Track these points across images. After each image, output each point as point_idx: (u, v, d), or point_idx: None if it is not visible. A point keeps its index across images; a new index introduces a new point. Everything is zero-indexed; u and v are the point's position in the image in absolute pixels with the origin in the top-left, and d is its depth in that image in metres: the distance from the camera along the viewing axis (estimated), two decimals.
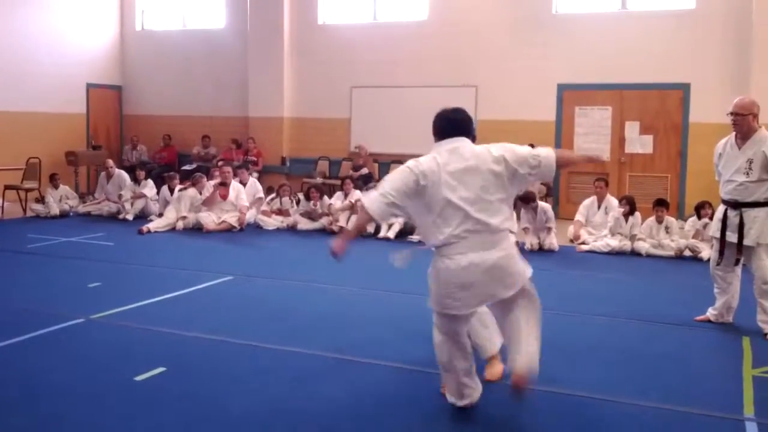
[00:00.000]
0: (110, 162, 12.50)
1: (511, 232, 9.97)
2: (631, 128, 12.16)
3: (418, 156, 3.74)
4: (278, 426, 3.75)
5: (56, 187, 12.00)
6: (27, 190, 12.35)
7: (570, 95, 12.44)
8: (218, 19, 15.18)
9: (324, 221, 10.75)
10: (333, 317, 5.95)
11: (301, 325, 5.67)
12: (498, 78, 12.69)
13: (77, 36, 14.93)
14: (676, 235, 9.16)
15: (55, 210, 11.61)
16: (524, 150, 3.80)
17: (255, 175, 12.71)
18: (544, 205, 9.69)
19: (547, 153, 3.80)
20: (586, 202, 9.97)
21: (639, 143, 12.13)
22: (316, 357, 4.86)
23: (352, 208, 10.67)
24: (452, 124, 3.81)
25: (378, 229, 10.29)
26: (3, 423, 3.73)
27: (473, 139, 3.80)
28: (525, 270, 3.81)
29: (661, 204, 9.36)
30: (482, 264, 3.58)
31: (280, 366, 4.67)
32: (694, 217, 9.19)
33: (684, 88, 11.75)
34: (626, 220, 9.31)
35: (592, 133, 12.36)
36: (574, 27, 12.30)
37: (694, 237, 9.00)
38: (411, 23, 13.40)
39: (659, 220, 9.26)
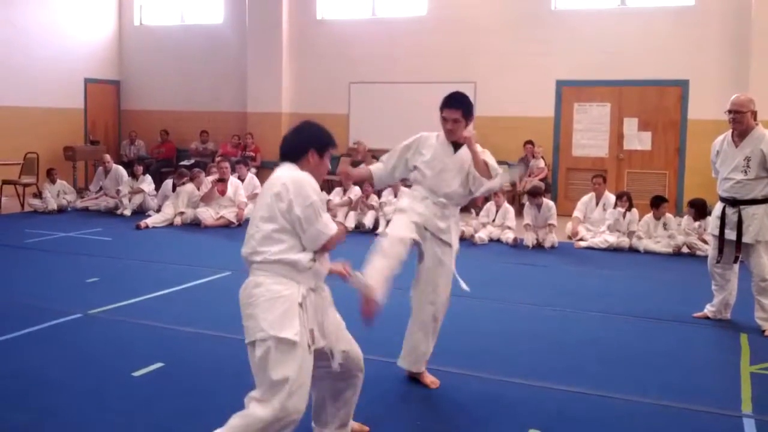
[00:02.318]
0: (108, 157, 12.48)
1: (509, 228, 10.00)
2: (630, 125, 12.16)
3: None
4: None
5: (54, 182, 11.98)
6: (24, 185, 12.33)
7: (569, 91, 12.43)
8: (217, 14, 15.14)
9: None
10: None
11: None
12: (497, 74, 12.67)
13: (75, 31, 14.89)
14: (673, 232, 9.17)
15: (52, 205, 11.60)
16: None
17: (253, 170, 12.69)
18: (549, 202, 9.71)
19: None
20: (585, 198, 9.97)
21: (637, 140, 12.13)
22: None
23: (351, 204, 10.68)
24: None
25: (377, 225, 10.29)
26: (2, 417, 3.73)
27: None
28: None
29: (661, 201, 9.36)
30: None
31: None
32: (688, 216, 9.19)
33: (683, 85, 11.75)
34: (624, 216, 9.31)
35: (591, 129, 12.35)
36: (573, 23, 12.28)
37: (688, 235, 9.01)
38: (410, 19, 13.37)
39: (657, 217, 9.27)
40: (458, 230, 4.42)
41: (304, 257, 3.01)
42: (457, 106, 4.18)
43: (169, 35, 15.49)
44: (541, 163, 11.82)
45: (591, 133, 12.35)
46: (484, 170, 4.12)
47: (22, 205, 12.01)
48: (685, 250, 8.92)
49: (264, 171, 13.69)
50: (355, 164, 12.94)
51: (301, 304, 2.95)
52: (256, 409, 2.87)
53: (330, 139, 3.28)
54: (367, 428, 3.62)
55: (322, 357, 3.12)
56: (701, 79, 11.54)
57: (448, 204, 4.24)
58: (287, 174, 3.06)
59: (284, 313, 2.92)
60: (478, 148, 4.17)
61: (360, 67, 13.65)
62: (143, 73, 15.86)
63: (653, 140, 12.03)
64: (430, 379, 4.27)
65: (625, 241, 9.17)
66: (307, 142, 3.18)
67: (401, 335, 4.37)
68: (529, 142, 12.11)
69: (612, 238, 9.20)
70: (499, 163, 12.99)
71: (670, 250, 8.94)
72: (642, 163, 12.12)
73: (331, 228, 3.02)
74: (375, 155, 13.23)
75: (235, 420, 2.89)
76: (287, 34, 14.22)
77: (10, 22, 13.49)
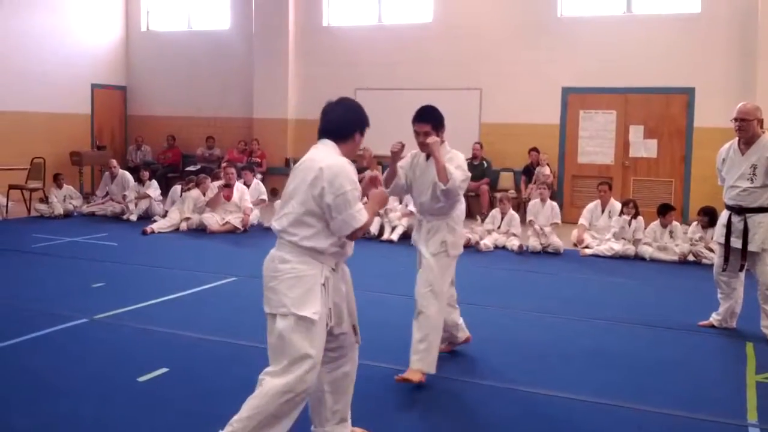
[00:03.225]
0: (114, 162, 12.52)
1: (515, 235, 10.00)
2: (636, 132, 12.14)
3: None
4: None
5: (60, 187, 12.02)
6: (31, 190, 12.37)
7: (575, 99, 12.43)
8: (223, 21, 15.20)
9: None
10: None
11: None
12: (502, 81, 12.68)
13: (82, 36, 14.96)
14: (680, 240, 9.15)
15: (59, 210, 11.64)
16: None
17: (259, 176, 12.71)
18: (553, 203, 9.78)
19: None
20: (590, 206, 9.95)
21: (643, 147, 12.11)
22: None
23: None
24: None
25: (382, 231, 10.29)
26: (7, 422, 3.74)
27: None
28: None
29: (668, 210, 9.34)
30: None
31: None
32: (696, 224, 9.17)
33: (689, 92, 11.73)
34: (629, 224, 9.30)
35: (597, 136, 12.35)
36: (579, 30, 12.29)
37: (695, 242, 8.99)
38: (415, 26, 13.40)
39: (664, 225, 9.25)
40: (441, 238, 4.39)
41: (331, 244, 3.11)
42: (426, 119, 4.35)
43: (175, 41, 15.56)
44: (547, 170, 11.81)
45: (597, 141, 12.34)
46: (442, 175, 4.22)
47: (29, 210, 12.05)
48: (691, 258, 8.89)
49: (270, 177, 13.73)
50: (360, 171, 12.97)
51: (324, 285, 3.09)
52: (272, 381, 3.00)
53: (367, 120, 3.40)
54: None
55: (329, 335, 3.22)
56: (707, 86, 11.53)
57: (423, 215, 4.51)
58: (325, 158, 3.13)
59: (307, 292, 3.05)
60: (455, 161, 4.35)
61: (366, 73, 13.68)
62: (150, 78, 15.92)
63: (659, 148, 12.01)
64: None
65: (630, 249, 9.15)
66: (356, 124, 3.30)
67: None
68: (534, 149, 12.10)
69: (617, 246, 9.18)
70: (504, 170, 13.02)
71: (676, 258, 8.92)
72: (648, 170, 12.10)
73: (360, 219, 3.05)
74: (381, 161, 13.26)
75: (251, 401, 3.01)
76: (293, 41, 14.27)
77: (18, 29, 13.55)
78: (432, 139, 4.26)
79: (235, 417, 3.02)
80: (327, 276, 3.11)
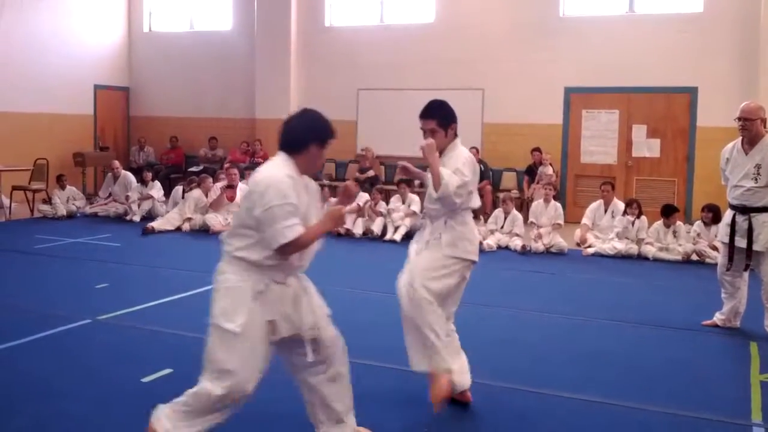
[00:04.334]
0: (117, 163, 12.54)
1: (518, 235, 9.98)
2: (638, 132, 12.13)
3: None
4: (285, 427, 3.75)
5: (63, 188, 12.04)
6: (34, 191, 12.39)
7: (577, 98, 12.42)
8: (225, 21, 15.21)
9: None
10: (338, 320, 5.94)
11: None
12: (505, 81, 12.68)
13: (85, 37, 14.98)
14: (683, 240, 9.14)
15: (62, 211, 11.65)
16: None
17: None
18: (556, 203, 9.82)
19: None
20: (593, 205, 9.95)
21: (646, 147, 12.10)
22: None
23: (359, 210, 10.68)
24: None
25: (385, 231, 10.30)
26: (9, 424, 3.74)
27: None
28: None
29: (672, 211, 9.32)
30: None
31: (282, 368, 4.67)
32: (700, 222, 9.17)
33: (691, 92, 11.72)
34: (633, 224, 9.29)
35: (599, 136, 12.34)
36: (581, 30, 12.28)
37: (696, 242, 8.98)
38: (418, 26, 13.40)
39: (667, 225, 9.24)
40: (435, 236, 4.02)
41: (266, 257, 3.07)
42: (430, 115, 4.02)
43: (178, 42, 15.57)
44: (550, 170, 11.81)
45: (599, 140, 12.33)
46: (435, 181, 3.89)
47: (32, 211, 12.07)
48: (694, 257, 8.88)
49: None
50: (362, 171, 13.00)
51: (259, 295, 3.06)
52: (206, 385, 3.09)
53: (331, 130, 3.26)
54: None
55: (297, 346, 3.23)
56: (710, 86, 11.52)
57: (427, 218, 4.15)
58: (265, 172, 3.11)
59: (234, 304, 3.06)
60: (459, 161, 3.96)
61: (368, 74, 13.68)
62: (152, 79, 15.93)
63: (662, 147, 12.00)
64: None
65: (633, 249, 9.14)
66: (310, 135, 3.19)
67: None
68: (537, 149, 12.09)
69: (620, 245, 9.18)
70: (507, 170, 12.98)
71: (679, 257, 8.91)
72: (651, 170, 12.09)
73: (286, 235, 2.98)
74: (383, 162, 13.27)
75: (187, 396, 3.13)
76: (296, 41, 14.27)
77: (21, 30, 13.57)
78: (426, 142, 3.93)
79: (175, 400, 3.16)
80: (261, 289, 3.07)
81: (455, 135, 4.06)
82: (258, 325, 3.06)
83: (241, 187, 10.94)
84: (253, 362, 3.08)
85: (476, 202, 4.10)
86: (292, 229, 3.00)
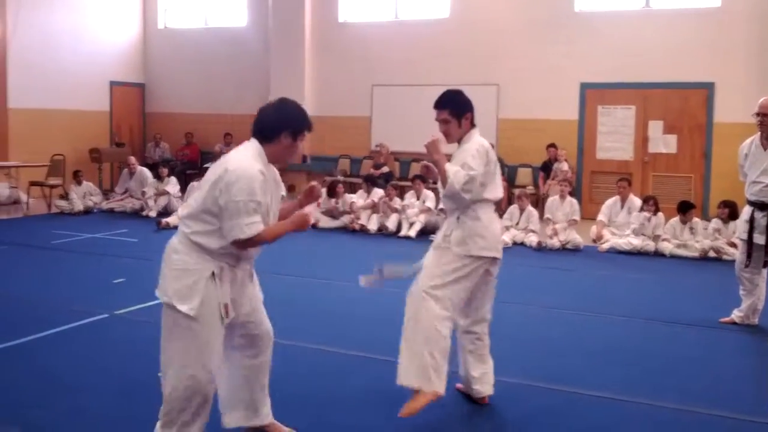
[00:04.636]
0: (133, 159, 12.61)
1: (533, 231, 9.92)
2: (655, 128, 12.05)
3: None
4: (302, 421, 3.76)
5: (80, 183, 12.13)
6: (51, 187, 12.49)
7: (593, 94, 12.35)
8: (240, 18, 15.25)
9: (345, 219, 10.77)
10: (354, 315, 5.97)
11: (323, 322, 5.70)
12: (519, 76, 12.63)
13: (101, 34, 15.07)
14: (700, 236, 9.07)
15: (79, 206, 11.74)
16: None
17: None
18: (572, 199, 9.78)
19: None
20: (609, 201, 9.89)
21: (662, 143, 12.02)
22: (339, 354, 4.88)
23: (374, 206, 10.69)
24: None
25: (399, 227, 10.29)
26: (28, 416, 3.78)
27: None
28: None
29: (689, 208, 9.25)
30: None
31: (303, 362, 4.69)
32: (717, 219, 9.10)
33: (708, 87, 11.62)
34: (649, 220, 9.24)
35: (615, 132, 12.26)
36: (597, 25, 12.20)
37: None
38: (432, 21, 13.37)
39: (684, 221, 9.18)
40: (446, 232, 3.88)
41: (221, 247, 3.06)
42: (443, 105, 3.90)
43: (192, 38, 15.63)
44: (565, 166, 11.75)
45: (615, 136, 12.26)
46: (442, 177, 3.80)
47: (49, 206, 12.17)
48: (711, 254, 8.81)
49: (286, 173, 13.72)
50: (376, 167, 12.99)
51: (213, 277, 3.05)
52: (164, 386, 3.12)
53: (306, 122, 3.25)
54: None
55: (230, 328, 3.22)
56: (727, 81, 11.41)
57: (446, 214, 4.02)
58: (234, 160, 3.08)
59: (189, 286, 3.04)
60: (469, 153, 3.80)
61: (382, 69, 13.68)
62: (167, 75, 16.00)
63: (679, 143, 11.91)
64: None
65: (650, 245, 9.09)
66: (282, 123, 3.17)
67: None
68: (552, 145, 12.04)
69: (636, 240, 9.13)
70: (522, 166, 12.93)
71: (696, 254, 8.84)
72: (667, 166, 12.00)
73: (246, 232, 2.98)
74: (397, 158, 13.26)
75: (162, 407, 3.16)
76: (310, 37, 14.28)
77: (38, 27, 13.66)
78: (431, 137, 3.85)
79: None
80: (215, 271, 3.07)
81: (472, 125, 3.92)
82: (212, 307, 3.06)
83: None
84: (209, 345, 3.07)
85: (494, 193, 3.88)
86: (252, 227, 2.99)
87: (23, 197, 12.32)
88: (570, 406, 4.09)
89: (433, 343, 3.65)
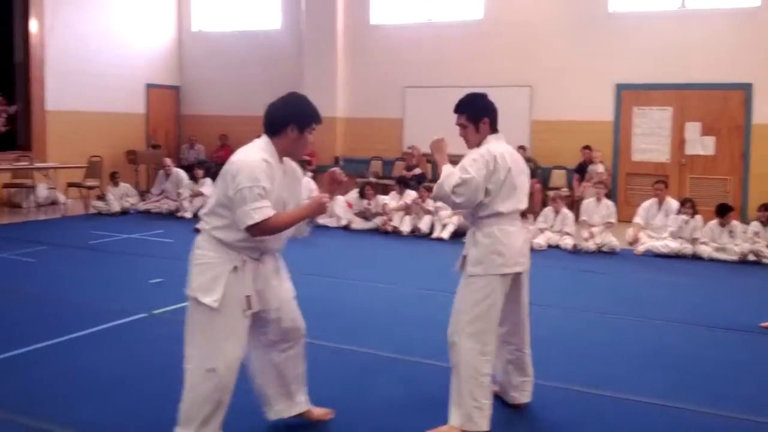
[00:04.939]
0: (168, 161, 12.75)
1: (568, 234, 9.80)
2: (692, 129, 11.87)
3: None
4: (333, 421, 3.77)
5: (117, 185, 12.30)
6: (89, 188, 12.68)
7: (628, 95, 12.21)
8: (274, 21, 15.35)
9: (378, 221, 10.78)
10: (386, 316, 5.97)
11: (355, 323, 5.70)
12: (553, 78, 12.53)
13: (137, 38, 15.28)
14: (739, 239, 8.91)
15: (115, 207, 11.90)
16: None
17: (309, 174, 12.79)
18: (608, 201, 9.68)
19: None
20: (646, 204, 9.76)
21: (700, 144, 11.83)
22: (370, 355, 4.88)
23: (407, 208, 10.68)
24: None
25: (432, 229, 10.27)
26: (67, 416, 3.82)
27: None
28: None
29: (727, 210, 9.09)
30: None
31: (334, 362, 4.70)
32: (756, 222, 8.94)
33: (746, 89, 11.41)
34: (687, 223, 9.10)
35: (651, 133, 12.11)
36: (632, 25, 12.07)
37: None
38: (465, 23, 13.33)
39: (722, 224, 9.03)
40: (464, 252, 3.75)
41: (239, 239, 3.15)
42: (460, 109, 3.78)
43: (226, 41, 15.77)
44: (600, 168, 11.63)
45: (651, 138, 12.10)
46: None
47: (86, 207, 12.35)
48: (751, 257, 8.65)
49: (320, 175, 13.79)
50: (408, 169, 12.98)
51: (236, 270, 3.15)
52: (193, 367, 3.18)
53: (312, 115, 3.30)
54: (331, 413, 3.74)
55: (261, 323, 3.33)
56: (766, 82, 11.20)
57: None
58: (241, 153, 3.19)
59: (212, 280, 3.13)
60: (470, 157, 3.64)
61: (414, 71, 13.66)
62: (202, 78, 16.16)
63: (717, 145, 11.72)
64: None
65: (688, 248, 8.95)
66: (288, 117, 3.25)
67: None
68: (587, 147, 11.92)
69: (673, 244, 8.99)
70: (556, 168, 12.80)
71: (735, 257, 8.69)
72: (705, 168, 11.81)
73: (253, 217, 3.04)
74: (429, 159, 13.23)
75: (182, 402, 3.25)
76: (342, 40, 14.33)
77: (75, 31, 13.89)
78: (433, 140, 3.78)
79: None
80: (238, 265, 3.16)
81: (491, 130, 3.73)
82: (236, 299, 3.15)
83: None
84: (232, 340, 3.16)
85: (509, 205, 3.64)
86: (260, 212, 3.05)
87: (61, 198, 12.53)
88: (611, 411, 4.04)
89: (473, 385, 3.56)
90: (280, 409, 3.59)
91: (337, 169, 3.42)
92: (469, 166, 3.57)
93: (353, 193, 11.44)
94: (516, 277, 3.73)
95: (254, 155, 3.15)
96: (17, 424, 3.72)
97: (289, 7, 15.04)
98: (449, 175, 3.58)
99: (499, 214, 3.61)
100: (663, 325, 5.87)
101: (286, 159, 3.31)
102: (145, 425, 3.75)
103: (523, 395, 3.98)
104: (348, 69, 14.42)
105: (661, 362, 4.90)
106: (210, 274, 3.14)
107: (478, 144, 3.72)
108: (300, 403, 3.62)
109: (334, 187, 3.42)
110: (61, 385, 4.27)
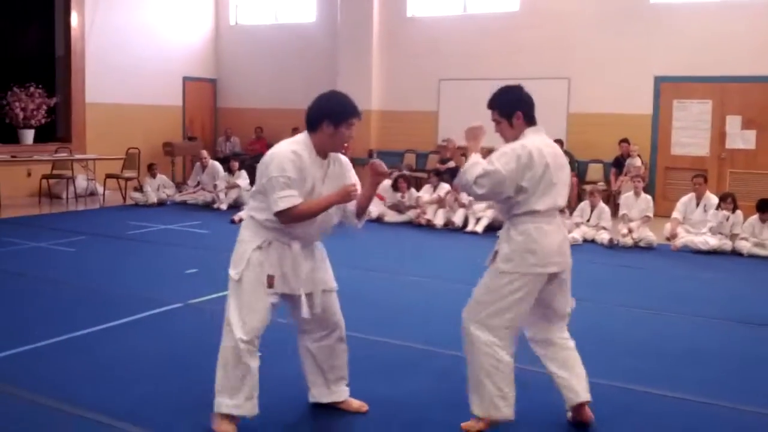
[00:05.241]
0: (205, 153, 12.88)
1: (605, 228, 9.68)
2: (733, 122, 11.63)
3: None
4: (366, 413, 3.78)
5: (154, 176, 12.46)
6: (126, 179, 12.87)
7: (668, 88, 11.99)
8: (309, 13, 15.40)
9: (411, 214, 10.77)
10: (420, 308, 5.96)
11: (388, 316, 5.71)
12: (591, 70, 12.36)
13: (174, 32, 15.44)
14: None
15: (153, 198, 12.07)
16: None
17: None
18: (646, 195, 9.58)
19: None
20: (684, 199, 9.58)
21: (741, 138, 11.59)
22: (403, 347, 4.88)
23: (441, 201, 10.64)
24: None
25: (466, 222, 10.22)
26: (104, 403, 3.88)
27: None
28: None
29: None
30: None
31: (368, 354, 4.70)
32: None
33: None
34: (727, 219, 8.92)
35: (691, 127, 11.89)
36: (673, 17, 11.84)
37: None
38: (502, 14, 13.21)
39: (763, 220, 8.84)
40: (496, 248, 3.61)
41: (267, 219, 3.39)
42: (491, 105, 3.68)
43: (263, 34, 15.85)
44: (638, 162, 11.47)
45: (691, 131, 11.89)
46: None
47: (124, 198, 12.55)
48: None
49: (354, 167, 13.77)
50: (443, 162, 12.92)
51: (260, 249, 3.40)
52: (223, 341, 3.51)
53: (346, 110, 3.41)
54: (366, 406, 3.80)
55: (297, 307, 3.49)
56: None
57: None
58: (277, 147, 3.43)
59: (239, 255, 3.46)
60: (500, 150, 3.54)
61: (450, 63, 13.59)
62: (238, 71, 16.28)
63: (758, 139, 11.46)
64: None
65: (727, 244, 8.78)
66: (323, 113, 3.40)
67: None
68: (625, 140, 11.76)
69: (713, 240, 8.83)
70: (593, 162, 12.65)
71: None
72: (746, 162, 11.56)
73: (280, 205, 3.27)
74: (464, 153, 13.14)
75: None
76: (378, 32, 14.31)
77: (114, 25, 14.08)
78: (471, 125, 3.67)
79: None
80: (263, 245, 3.40)
81: (526, 123, 3.59)
82: (256, 275, 3.39)
83: None
84: (253, 307, 3.39)
85: (545, 202, 3.48)
86: (285, 200, 3.27)
87: (100, 189, 12.74)
88: (649, 407, 3.99)
89: (494, 374, 3.49)
90: (317, 394, 3.77)
91: (377, 161, 3.50)
92: (496, 159, 3.46)
93: (387, 186, 11.43)
94: (552, 277, 3.58)
95: (285, 147, 3.38)
96: (57, 409, 3.79)
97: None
98: (474, 164, 3.48)
99: (535, 212, 3.47)
100: (700, 321, 5.78)
101: (334, 154, 3.51)
102: (181, 411, 3.80)
103: (573, 394, 3.68)
104: (383, 62, 14.40)
105: (699, 358, 4.83)
106: (240, 250, 3.47)
107: (515, 139, 3.57)
108: (335, 393, 3.75)
109: (376, 179, 3.49)
110: (100, 372, 4.34)
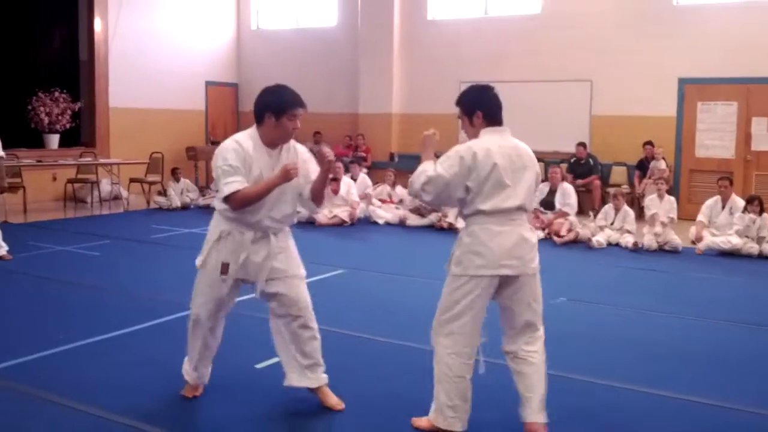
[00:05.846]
0: None
1: (629, 231, 9.58)
2: (759, 124, 11.48)
3: None
4: (392, 415, 3.77)
5: (177, 180, 12.55)
6: (150, 183, 12.98)
7: (692, 90, 11.87)
8: (330, 18, 15.44)
9: (433, 217, 10.74)
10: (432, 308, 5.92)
11: (410, 320, 5.66)
12: (614, 72, 12.27)
13: (197, 37, 15.56)
14: None
15: (176, 202, 12.15)
16: None
17: (364, 170, 12.84)
18: (671, 197, 9.51)
19: None
20: (709, 202, 9.48)
21: (767, 140, 11.43)
22: (425, 351, 4.85)
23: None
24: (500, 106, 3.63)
25: None
26: (131, 405, 3.90)
27: None
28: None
29: None
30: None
31: (390, 358, 4.70)
32: None
33: None
34: (754, 222, 8.81)
35: (716, 129, 11.76)
36: (697, 18, 11.72)
37: None
38: (524, 17, 13.15)
39: None
40: (455, 248, 3.53)
41: (223, 208, 3.67)
42: (456, 103, 3.67)
43: (284, 39, 15.92)
44: (662, 165, 11.36)
45: (716, 134, 11.75)
46: None
47: (148, 202, 12.65)
48: None
49: (375, 171, 13.84)
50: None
51: (220, 239, 3.71)
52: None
53: (285, 102, 3.65)
54: (342, 404, 3.86)
55: (265, 296, 3.84)
56: None
57: None
58: (224, 141, 3.70)
59: (204, 245, 3.82)
60: (445, 154, 3.50)
61: (471, 66, 13.54)
62: (260, 75, 16.27)
63: None
64: None
65: (754, 248, 8.66)
66: (264, 106, 3.66)
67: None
68: (649, 142, 11.65)
69: (736, 239, 8.72)
70: (617, 164, 12.53)
71: None
72: None
73: (224, 191, 3.54)
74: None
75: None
76: (398, 35, 14.32)
77: (137, 30, 14.23)
78: (425, 133, 3.67)
79: None
80: (222, 235, 3.70)
81: (486, 123, 3.54)
82: (214, 262, 3.74)
83: (345, 181, 11.09)
84: (207, 294, 3.82)
85: (493, 203, 3.37)
86: (229, 185, 3.53)
87: (124, 193, 12.86)
88: (674, 412, 3.94)
89: (445, 382, 3.45)
90: (291, 378, 3.87)
91: (324, 148, 3.78)
92: (440, 163, 3.42)
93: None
94: (506, 282, 3.43)
95: (229, 140, 3.67)
96: (80, 412, 3.82)
97: (345, 4, 15.09)
98: (421, 173, 3.45)
99: (481, 213, 3.39)
100: (726, 325, 5.70)
101: (289, 144, 3.77)
102: (200, 413, 3.81)
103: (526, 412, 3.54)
104: (403, 64, 14.40)
105: (725, 363, 4.76)
106: (206, 241, 3.82)
107: (476, 137, 3.55)
108: (310, 379, 3.86)
109: (325, 165, 3.72)
110: (123, 375, 4.38)
